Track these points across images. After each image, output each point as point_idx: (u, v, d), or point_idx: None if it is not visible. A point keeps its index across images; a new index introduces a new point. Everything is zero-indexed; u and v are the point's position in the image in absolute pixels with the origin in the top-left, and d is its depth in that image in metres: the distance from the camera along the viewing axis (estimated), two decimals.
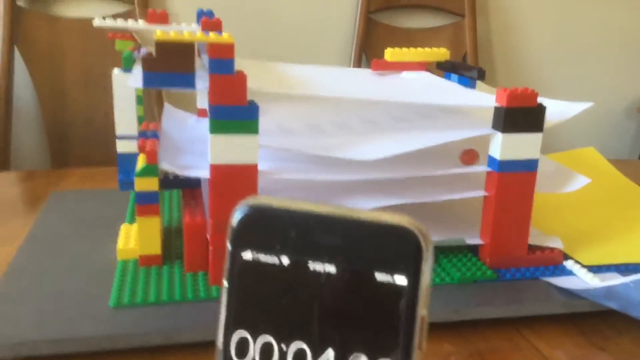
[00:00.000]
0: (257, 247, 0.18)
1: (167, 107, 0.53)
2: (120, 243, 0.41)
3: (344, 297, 0.17)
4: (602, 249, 0.45)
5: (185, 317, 0.34)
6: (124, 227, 0.44)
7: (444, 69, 0.57)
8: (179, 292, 0.37)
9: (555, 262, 0.43)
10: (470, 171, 0.42)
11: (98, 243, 0.44)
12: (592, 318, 0.39)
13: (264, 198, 0.18)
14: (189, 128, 0.51)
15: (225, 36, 0.35)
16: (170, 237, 0.45)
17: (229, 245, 0.18)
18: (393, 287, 0.17)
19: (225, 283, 0.18)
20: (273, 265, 0.17)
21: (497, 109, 0.40)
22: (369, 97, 0.42)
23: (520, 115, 0.40)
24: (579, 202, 0.53)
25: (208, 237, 0.38)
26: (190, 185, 0.45)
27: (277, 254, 0.17)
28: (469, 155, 0.41)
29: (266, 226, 0.18)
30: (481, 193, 0.42)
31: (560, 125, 1.92)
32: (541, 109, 0.40)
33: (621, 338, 0.37)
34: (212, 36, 0.34)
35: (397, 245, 0.17)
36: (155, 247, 0.39)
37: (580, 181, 0.43)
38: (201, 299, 0.36)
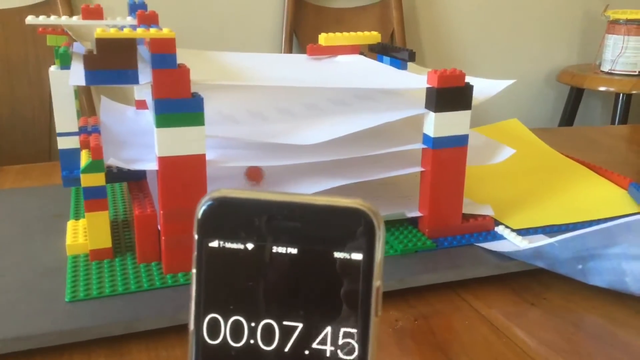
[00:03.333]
0: (222, 236, 0.19)
1: (105, 101, 0.53)
2: (69, 239, 0.41)
3: (306, 276, 0.19)
4: (529, 214, 0.49)
5: (143, 306, 0.35)
6: (70, 224, 0.44)
7: (376, 51, 0.59)
8: (133, 282, 0.38)
9: (487, 228, 0.46)
10: (406, 149, 0.44)
11: (44, 240, 0.44)
12: (523, 277, 0.42)
13: (227, 190, 0.19)
14: (129, 120, 0.51)
15: (165, 31, 0.35)
16: (118, 229, 0.45)
17: (195, 235, 0.19)
18: (350, 263, 0.19)
19: (193, 270, 0.19)
20: (238, 251, 0.19)
21: (429, 90, 0.43)
22: (310, 84, 0.44)
23: (450, 95, 0.42)
24: (507, 171, 0.57)
25: (159, 227, 0.39)
26: (134, 178, 0.45)
27: (242, 240, 0.19)
28: (254, 173, 0.43)
29: (230, 215, 0.19)
30: (418, 169, 0.45)
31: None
32: (469, 88, 0.43)
33: (550, 293, 0.41)
34: (153, 31, 0.35)
35: (352, 225, 0.19)
36: (105, 241, 0.40)
37: (506, 152, 0.47)
38: (157, 288, 0.37)
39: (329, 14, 1.59)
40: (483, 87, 0.47)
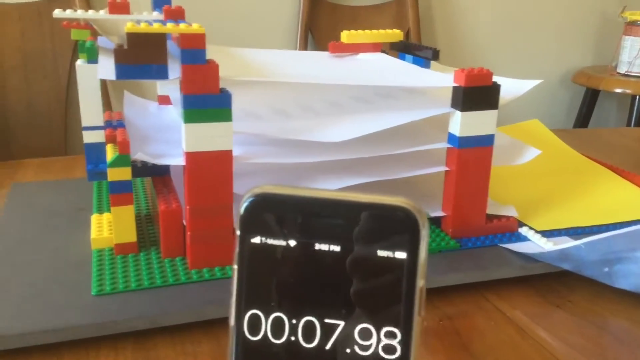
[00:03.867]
0: (264, 232, 0.19)
1: (128, 96, 0.53)
2: (94, 232, 0.42)
3: (349, 274, 0.19)
4: (553, 215, 0.48)
5: (169, 301, 0.35)
6: (94, 218, 0.44)
7: (398, 49, 0.59)
8: (159, 277, 0.38)
9: (511, 229, 0.46)
10: (432, 148, 0.44)
11: (68, 234, 0.44)
12: (548, 279, 0.42)
13: (269, 187, 0.19)
14: (152, 116, 0.51)
15: (195, 26, 0.35)
16: (142, 224, 0.45)
17: (237, 231, 0.19)
18: (394, 262, 0.18)
19: (235, 266, 0.19)
20: (280, 247, 0.19)
21: (455, 89, 0.43)
22: (334, 81, 0.44)
23: (478, 94, 0.42)
24: (529, 172, 0.57)
25: (184, 222, 0.39)
26: (158, 173, 0.45)
27: (284, 237, 0.19)
28: None
29: (272, 212, 0.19)
30: (443, 168, 0.44)
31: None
32: (496, 88, 0.42)
33: (574, 296, 0.40)
34: (183, 27, 0.35)
35: (396, 223, 0.18)
36: (130, 235, 0.40)
37: (532, 153, 0.46)
38: (182, 283, 0.37)
39: (345, 12, 1.58)
40: (509, 87, 0.46)
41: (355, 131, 0.42)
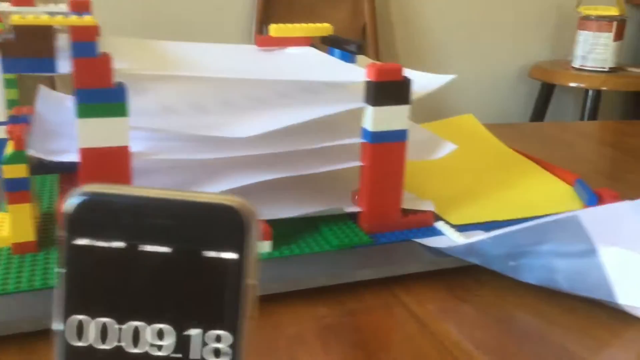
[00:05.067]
0: (91, 233, 0.18)
1: (42, 89, 0.51)
2: None
3: (177, 276, 0.18)
4: (471, 210, 0.48)
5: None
6: None
7: (327, 43, 0.59)
8: (52, 278, 0.36)
9: (426, 223, 0.46)
10: (346, 143, 0.44)
11: None
12: (460, 273, 0.42)
13: (97, 185, 0.18)
14: (67, 110, 0.50)
15: (87, 18, 0.34)
16: (46, 223, 0.44)
17: (63, 232, 0.18)
18: (222, 262, 0.18)
19: (60, 269, 0.18)
20: (108, 250, 0.18)
21: (367, 84, 0.42)
22: (242, 75, 0.43)
23: (388, 89, 0.42)
24: (455, 167, 0.57)
25: None
26: (67, 170, 0.44)
27: (111, 238, 0.18)
28: None
29: (99, 212, 0.18)
30: (357, 163, 0.44)
31: (461, 91, 2.01)
32: (407, 83, 0.42)
33: (482, 290, 0.40)
34: (73, 19, 0.34)
35: (224, 223, 0.18)
36: (28, 234, 0.39)
37: (447, 148, 0.46)
38: None
39: (301, 6, 1.58)
40: (423, 82, 0.46)
41: (264, 126, 0.41)
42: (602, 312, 0.38)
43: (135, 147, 0.39)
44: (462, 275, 0.42)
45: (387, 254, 0.42)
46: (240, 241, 0.18)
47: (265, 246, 0.41)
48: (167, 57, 0.49)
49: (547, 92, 1.92)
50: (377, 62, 0.43)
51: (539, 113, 1.94)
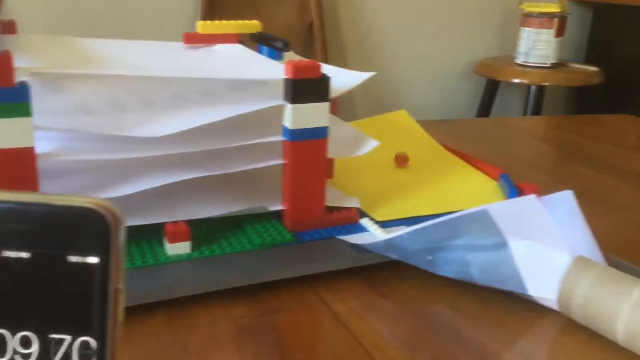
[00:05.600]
0: None
1: None
2: None
3: (40, 282, 0.17)
4: (396, 206, 0.49)
5: None
6: None
7: (255, 40, 0.58)
8: None
9: (351, 220, 0.46)
10: (265, 141, 0.43)
11: None
12: (382, 269, 0.42)
13: None
14: None
15: None
16: None
17: None
18: (86, 267, 0.17)
19: None
20: None
21: (285, 81, 0.42)
22: (160, 73, 0.42)
23: (307, 86, 0.42)
24: (384, 163, 0.58)
25: None
26: None
27: None
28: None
29: None
30: (278, 161, 0.44)
31: (408, 88, 2.03)
32: (325, 80, 0.42)
33: (402, 284, 0.41)
34: None
35: (86, 226, 0.17)
36: None
37: (370, 144, 0.47)
38: None
39: (246, 3, 1.57)
40: (343, 79, 0.46)
41: (182, 125, 0.41)
42: (516, 303, 0.39)
43: (46, 147, 0.38)
44: (383, 271, 0.42)
45: (309, 252, 0.42)
46: (104, 245, 0.17)
47: (184, 247, 0.40)
48: (87, 55, 0.48)
49: (492, 89, 1.96)
50: (296, 60, 0.43)
51: (484, 109, 1.98)
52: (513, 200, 0.37)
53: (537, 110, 1.85)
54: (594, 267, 0.35)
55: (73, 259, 0.17)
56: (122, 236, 0.18)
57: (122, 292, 0.18)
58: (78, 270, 0.17)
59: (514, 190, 0.51)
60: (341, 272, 0.42)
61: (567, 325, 0.37)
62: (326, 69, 0.50)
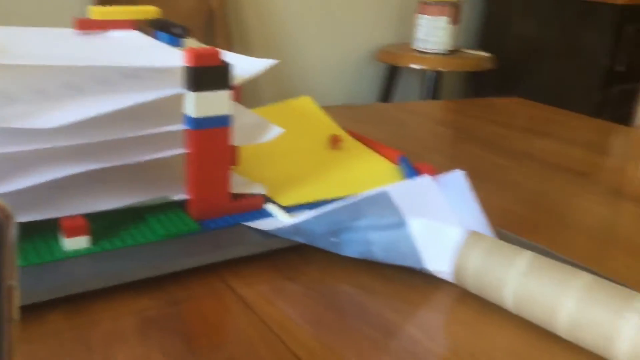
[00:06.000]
0: None
1: None
2: None
3: None
4: (300, 191, 0.50)
5: None
6: None
7: (153, 27, 0.57)
8: None
9: (257, 207, 0.46)
10: (166, 130, 0.43)
11: None
12: (288, 253, 0.43)
13: None
14: None
15: None
16: None
17: None
18: None
19: None
20: None
21: (185, 69, 0.42)
22: (42, 62, 0.40)
23: (207, 74, 0.42)
24: (289, 149, 0.58)
25: None
26: None
27: None
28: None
29: None
30: (181, 151, 0.43)
31: (312, 74, 2.05)
32: (226, 67, 0.42)
33: (308, 267, 0.42)
34: None
35: None
36: None
37: (274, 131, 0.47)
38: None
39: None
40: (246, 65, 0.46)
41: (76, 115, 0.39)
42: (415, 278, 0.41)
43: None
44: (290, 255, 0.43)
45: (215, 240, 0.42)
46: None
47: (82, 242, 0.39)
48: None
49: (392, 74, 2.02)
50: (196, 47, 0.42)
51: (385, 94, 2.04)
52: (410, 181, 0.38)
53: (434, 95, 1.93)
54: (484, 240, 0.38)
55: None
56: (12, 232, 0.17)
57: (15, 289, 0.17)
58: None
59: (413, 171, 0.53)
60: (248, 259, 0.42)
61: (462, 296, 0.39)
62: (227, 56, 0.49)
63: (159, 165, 0.48)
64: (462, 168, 0.44)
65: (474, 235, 0.38)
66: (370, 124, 0.80)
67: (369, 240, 0.40)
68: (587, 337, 0.32)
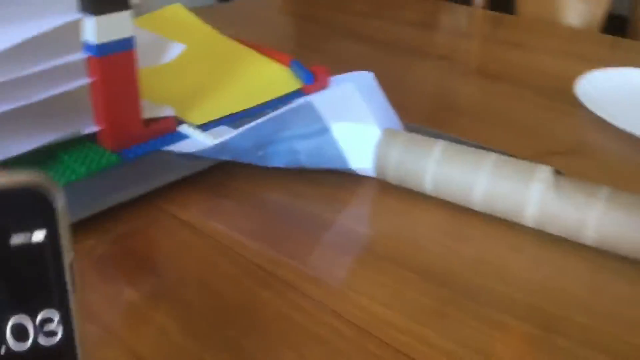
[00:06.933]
0: None
1: None
2: None
3: None
4: (208, 106, 0.50)
5: None
6: None
7: None
8: None
9: (170, 130, 0.46)
10: (68, 61, 0.40)
11: None
12: (216, 172, 0.44)
13: None
14: None
15: None
16: None
17: None
18: (34, 245, 0.16)
19: None
20: None
21: None
22: None
23: None
24: (181, 64, 0.56)
25: None
26: None
27: None
28: None
29: None
30: (85, 81, 0.41)
31: None
32: None
33: (238, 182, 0.43)
34: None
35: (25, 202, 0.16)
36: None
37: (176, 49, 0.46)
38: None
39: None
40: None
41: None
42: (342, 178, 0.44)
43: None
44: (219, 174, 0.44)
45: (139, 171, 0.41)
46: (47, 218, 0.16)
47: None
48: None
49: None
50: None
51: None
52: (332, 88, 0.40)
53: None
54: (400, 135, 0.42)
55: (18, 238, 0.16)
56: (63, 205, 0.17)
57: (72, 261, 0.17)
58: (26, 250, 0.16)
59: (309, 74, 0.55)
60: (178, 183, 0.42)
61: (385, 188, 0.43)
62: None
63: (61, 99, 0.45)
64: (355, 69, 0.47)
65: (389, 131, 0.42)
66: (236, 25, 0.79)
67: (295, 150, 0.42)
68: (500, 207, 0.38)
